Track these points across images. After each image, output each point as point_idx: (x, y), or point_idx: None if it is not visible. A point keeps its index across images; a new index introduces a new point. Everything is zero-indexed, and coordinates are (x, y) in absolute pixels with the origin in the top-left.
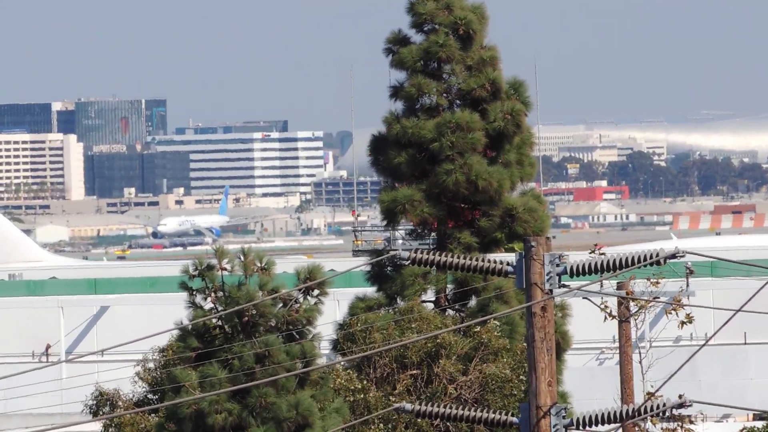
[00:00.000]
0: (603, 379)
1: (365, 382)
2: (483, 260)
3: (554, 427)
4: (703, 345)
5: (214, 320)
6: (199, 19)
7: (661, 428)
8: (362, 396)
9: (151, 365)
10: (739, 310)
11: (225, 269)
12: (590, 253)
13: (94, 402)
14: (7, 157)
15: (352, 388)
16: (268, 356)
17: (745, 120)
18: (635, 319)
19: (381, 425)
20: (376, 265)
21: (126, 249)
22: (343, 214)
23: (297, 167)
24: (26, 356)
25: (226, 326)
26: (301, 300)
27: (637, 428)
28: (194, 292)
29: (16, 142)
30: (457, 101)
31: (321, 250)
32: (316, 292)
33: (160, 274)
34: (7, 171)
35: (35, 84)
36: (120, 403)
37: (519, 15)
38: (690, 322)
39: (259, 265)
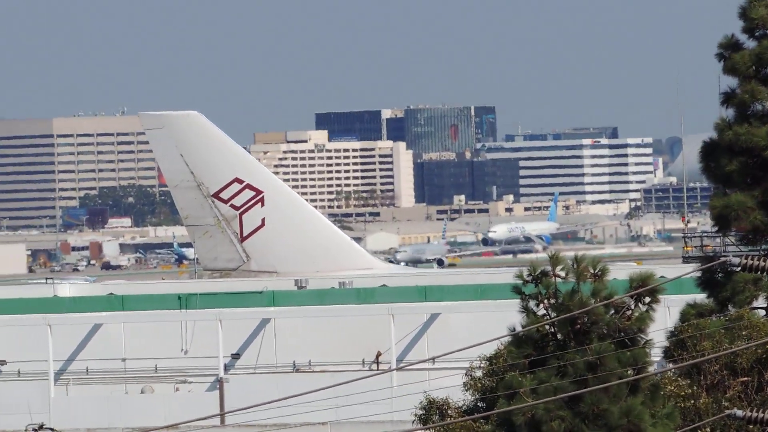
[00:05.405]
0: None
1: (695, 389)
2: None
3: None
4: None
5: (546, 327)
6: (527, 25)
7: None
8: (692, 402)
9: (478, 374)
10: None
11: (559, 276)
12: None
13: (423, 411)
14: (338, 165)
15: (683, 394)
16: (600, 365)
17: None
18: None
19: None
20: (707, 272)
21: (456, 257)
22: (673, 220)
23: (626, 173)
24: (357, 364)
25: (558, 334)
26: (633, 307)
27: None
28: (527, 298)
29: (346, 150)
30: None
31: (651, 256)
32: (647, 299)
33: (490, 281)
34: (338, 179)
35: (365, 92)
36: (450, 412)
37: None
38: None
39: (592, 271)
